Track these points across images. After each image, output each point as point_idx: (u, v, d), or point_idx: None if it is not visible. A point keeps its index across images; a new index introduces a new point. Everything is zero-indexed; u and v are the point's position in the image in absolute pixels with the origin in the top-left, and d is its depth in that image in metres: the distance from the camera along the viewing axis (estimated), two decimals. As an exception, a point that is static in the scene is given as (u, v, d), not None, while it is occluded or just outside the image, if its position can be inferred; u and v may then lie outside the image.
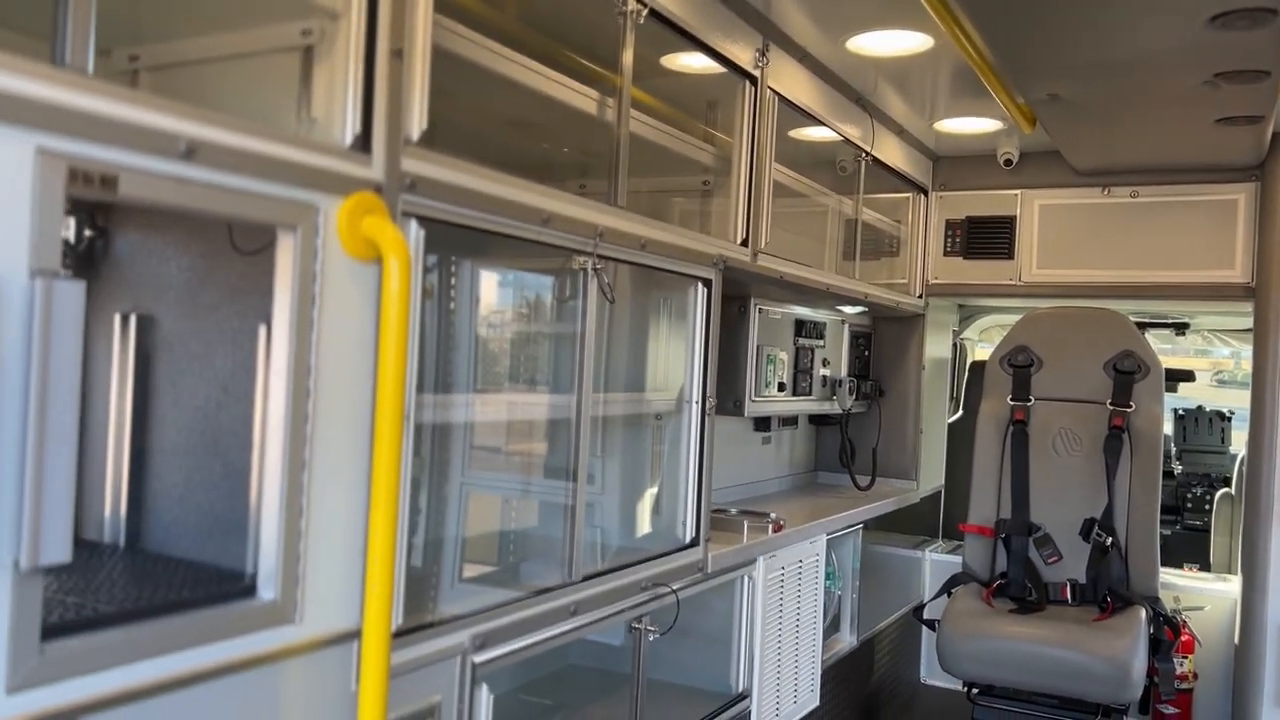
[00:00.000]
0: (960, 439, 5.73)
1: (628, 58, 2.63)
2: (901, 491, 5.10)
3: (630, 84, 2.63)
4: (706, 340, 3.10)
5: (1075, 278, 4.91)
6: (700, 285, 3.06)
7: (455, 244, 2.51)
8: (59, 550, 1.33)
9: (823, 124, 3.91)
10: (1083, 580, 4.33)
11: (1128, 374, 4.44)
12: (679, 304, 3.17)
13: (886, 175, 4.77)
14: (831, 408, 4.88)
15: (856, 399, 5.06)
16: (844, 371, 4.97)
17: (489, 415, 2.85)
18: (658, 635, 2.85)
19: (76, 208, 2.04)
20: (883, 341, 5.37)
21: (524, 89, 2.43)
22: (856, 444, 5.19)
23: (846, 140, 4.17)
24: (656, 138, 2.88)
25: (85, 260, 2.17)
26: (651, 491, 3.31)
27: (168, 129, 1.45)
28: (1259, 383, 4.43)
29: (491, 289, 2.98)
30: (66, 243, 2.11)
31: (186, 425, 2.03)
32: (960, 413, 6.33)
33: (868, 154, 4.35)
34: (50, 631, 1.37)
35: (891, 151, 4.67)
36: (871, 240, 4.88)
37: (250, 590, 1.71)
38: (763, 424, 4.73)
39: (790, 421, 5.03)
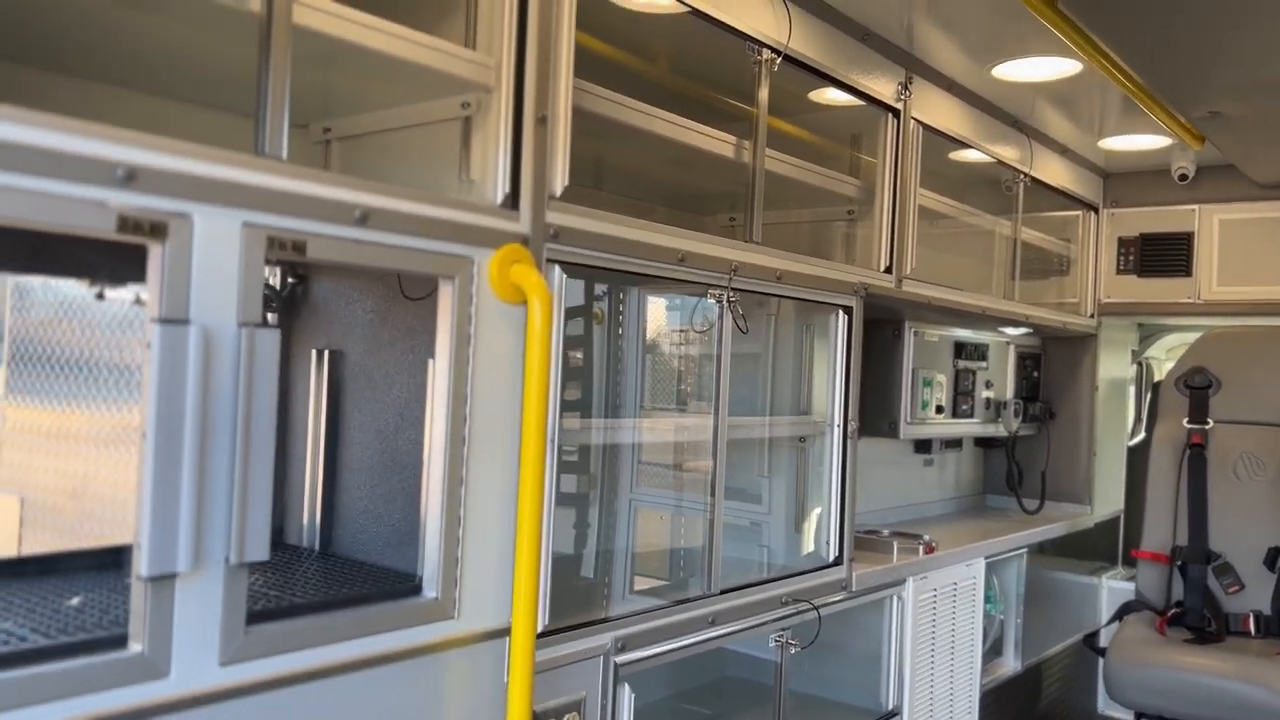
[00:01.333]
0: (1144, 462, 5.52)
1: (762, 99, 2.81)
2: (1072, 516, 4.99)
3: (765, 126, 2.80)
4: (847, 366, 3.21)
5: (1259, 295, 4.69)
6: (840, 313, 3.18)
7: (609, 279, 2.75)
8: (259, 550, 1.62)
9: (974, 148, 3.94)
10: (1267, 611, 4.14)
11: (1317, 395, 4.22)
12: (823, 329, 3.30)
13: (1051, 194, 4.71)
14: (997, 430, 4.84)
15: (1024, 421, 4.99)
16: (1009, 393, 4.92)
17: (629, 437, 3.07)
18: (798, 650, 2.98)
19: (280, 261, 2.40)
20: (1052, 362, 5.27)
21: (662, 138, 2.64)
22: (1025, 467, 5.12)
23: (1002, 163, 4.18)
24: (794, 174, 3.03)
25: (289, 304, 2.54)
26: (798, 511, 3.44)
27: (346, 200, 1.75)
28: None
29: (641, 320, 3.21)
30: (272, 289, 2.50)
31: (370, 445, 2.34)
32: (1144, 435, 6.09)
33: (1026, 175, 4.33)
34: (254, 618, 1.67)
35: (1054, 171, 4.62)
36: (1037, 260, 4.83)
37: (417, 589, 1.98)
38: (924, 446, 4.75)
39: (954, 444, 5.02)
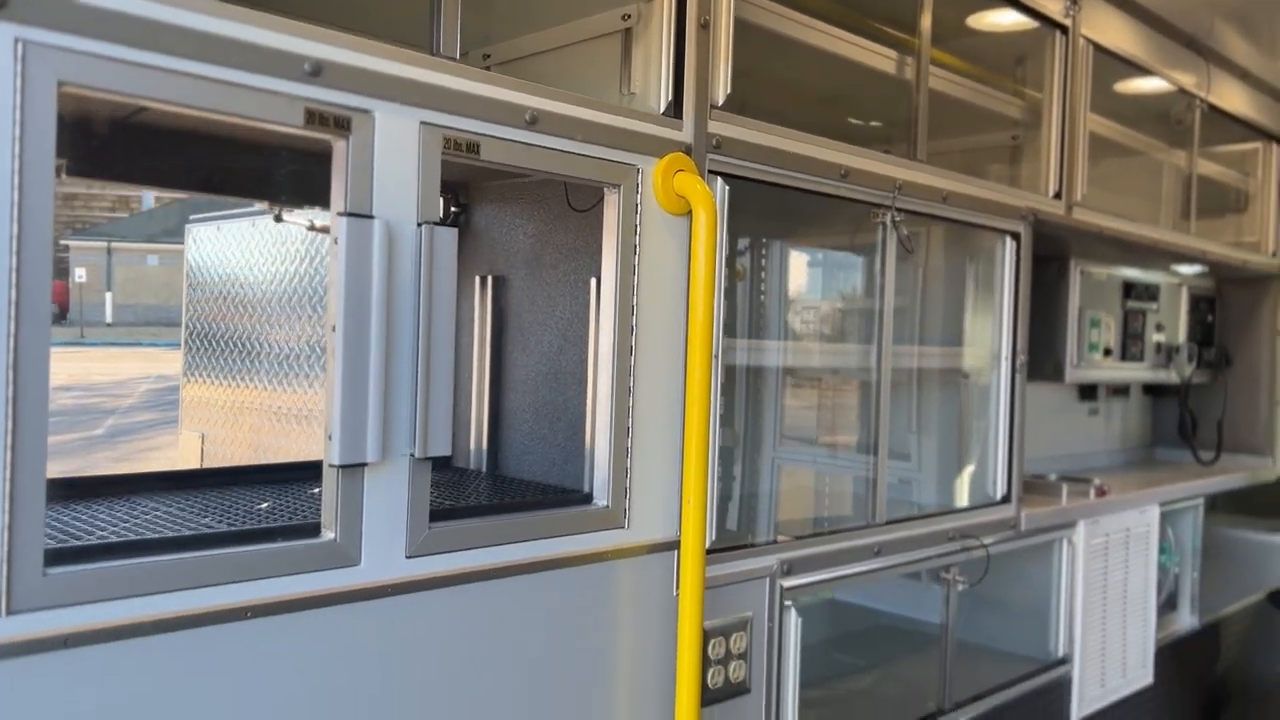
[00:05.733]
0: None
1: (926, 21, 2.69)
2: (1252, 468, 4.68)
3: (929, 39, 2.68)
4: (1016, 296, 3.07)
5: None
6: (1009, 239, 3.04)
7: (770, 196, 2.69)
8: (442, 444, 1.65)
9: (1147, 71, 3.70)
10: None
11: None
12: (988, 262, 3.16)
13: (1229, 125, 4.40)
14: (1168, 376, 4.57)
15: (1198, 367, 4.70)
16: (1182, 337, 4.64)
17: (804, 362, 3.01)
18: (966, 586, 2.88)
19: (445, 189, 2.44)
20: (1229, 306, 4.94)
21: (826, 54, 2.56)
22: (1199, 417, 4.82)
23: (1178, 90, 3.92)
24: (959, 92, 2.91)
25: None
26: (964, 449, 3.32)
27: (516, 102, 1.75)
28: None
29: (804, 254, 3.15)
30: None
31: (534, 368, 2.36)
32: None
33: (1203, 101, 4.05)
34: (436, 516, 1.70)
35: (1233, 97, 4.30)
36: (1213, 197, 4.52)
37: (588, 499, 1.98)
38: (1088, 393, 4.53)
39: (1120, 391, 4.77)
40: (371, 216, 1.55)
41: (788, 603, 2.34)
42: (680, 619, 2.00)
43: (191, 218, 3.26)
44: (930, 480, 3.31)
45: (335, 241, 1.53)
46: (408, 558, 1.64)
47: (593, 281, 2.17)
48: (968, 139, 3.38)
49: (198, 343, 3.17)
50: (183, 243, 3.28)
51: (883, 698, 3.06)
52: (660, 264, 2.02)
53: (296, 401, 2.87)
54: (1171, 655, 3.99)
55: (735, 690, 2.21)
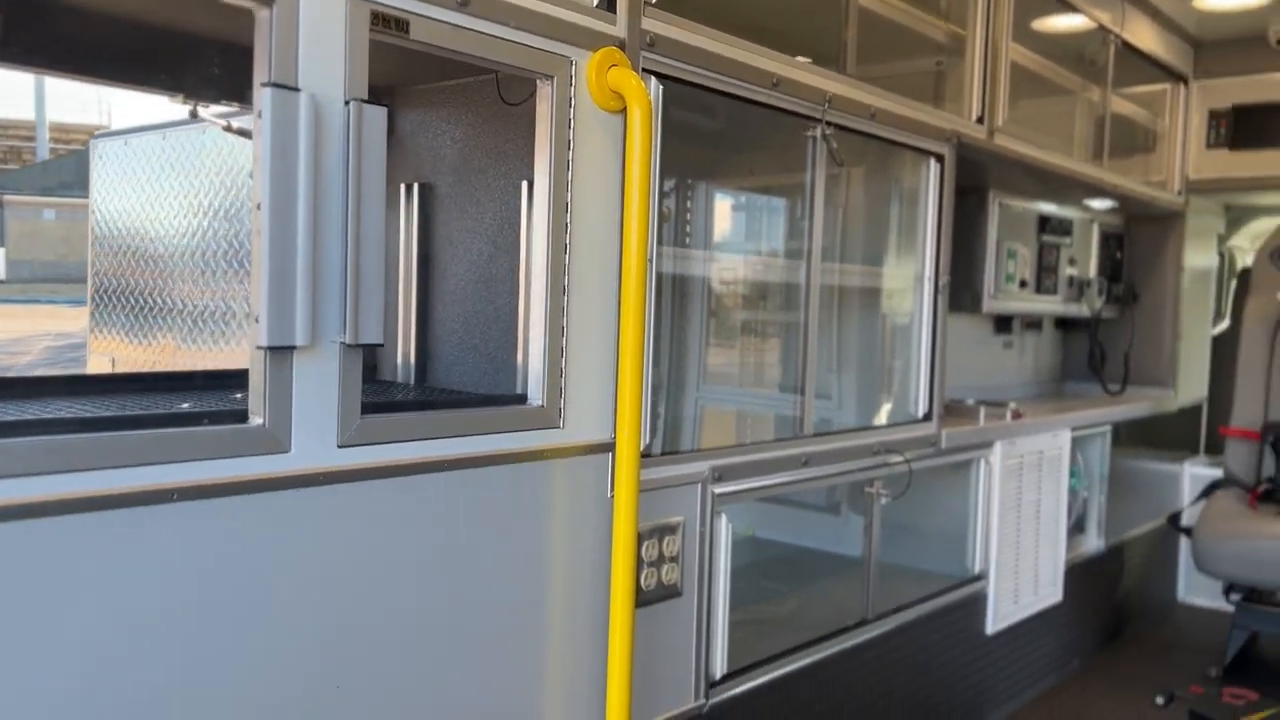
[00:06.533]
0: (1227, 351, 5.37)
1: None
2: (1157, 399, 4.87)
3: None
4: (939, 218, 3.12)
5: (1362, 163, 4.47)
6: (933, 161, 3.08)
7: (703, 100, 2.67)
8: (373, 332, 1.61)
9: (1067, 4, 3.77)
10: (1364, 485, 4.02)
11: None
12: (912, 186, 3.20)
13: (1140, 65, 4.51)
14: (1080, 310, 4.72)
15: (1107, 301, 4.86)
16: (1093, 272, 4.78)
17: (712, 273, 3.02)
18: (889, 499, 2.94)
19: (370, 93, 2.36)
20: (1137, 243, 5.10)
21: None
22: (1107, 350, 4.99)
23: (1096, 27, 4.00)
24: (886, 11, 2.92)
25: (375, 140, 2.51)
26: (886, 372, 3.38)
27: (447, -18, 1.69)
28: None
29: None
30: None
31: (463, 276, 2.32)
32: (1227, 324, 5.90)
33: (1117, 37, 4.15)
34: (369, 409, 1.66)
35: (1145, 35, 4.41)
36: (1123, 137, 4.64)
37: (522, 399, 1.96)
38: (1004, 326, 4.65)
39: (1034, 325, 4.90)
40: (297, 89, 1.49)
41: (719, 509, 2.36)
42: (615, 519, 2.00)
43: (96, 134, 3.11)
44: (851, 416, 3.36)
45: (259, 115, 1.47)
46: (340, 447, 1.60)
47: (524, 185, 2.13)
48: (894, 64, 3.40)
49: (105, 299, 3.02)
50: (84, 197, 3.11)
51: (809, 613, 3.12)
52: (594, 163, 2.00)
53: (210, 361, 2.75)
54: (1080, 575, 4.15)
55: (668, 593, 2.23)
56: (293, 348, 1.51)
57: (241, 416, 1.52)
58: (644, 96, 1.96)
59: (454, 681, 1.79)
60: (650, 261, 2.12)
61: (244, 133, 2.36)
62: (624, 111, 2.00)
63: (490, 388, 2.25)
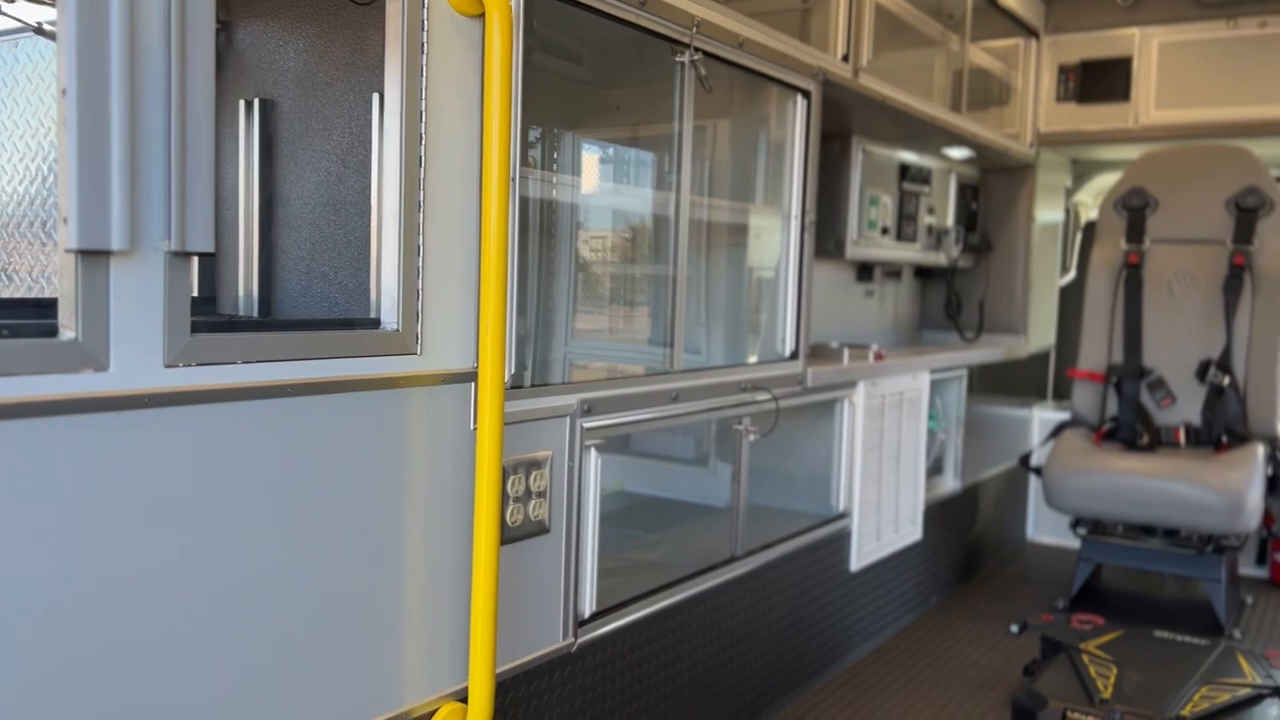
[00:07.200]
0: (1072, 301, 5.60)
1: None
2: (1009, 345, 5.04)
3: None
4: (806, 156, 3.10)
5: (1195, 118, 4.70)
6: (800, 97, 3.05)
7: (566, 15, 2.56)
8: (202, 239, 1.45)
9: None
10: (1197, 422, 4.24)
11: (1251, 210, 4.27)
12: (779, 125, 3.17)
13: (996, 18, 4.61)
14: (937, 259, 4.82)
15: (964, 250, 4.99)
16: (951, 221, 4.89)
17: (599, 203, 2.93)
18: (757, 436, 2.93)
19: None
20: (991, 195, 5.25)
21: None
22: (963, 298, 5.14)
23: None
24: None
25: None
26: (753, 314, 3.36)
27: None
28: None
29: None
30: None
31: (310, 199, 2.15)
32: (1073, 275, 6.17)
33: (975, -14, 4.21)
34: (200, 327, 1.51)
35: (1001, -12, 4.51)
36: (980, 90, 4.74)
37: (375, 323, 1.83)
38: (865, 274, 4.71)
39: (894, 274, 4.99)
40: (107, -43, 1.32)
41: (588, 443, 2.28)
42: (478, 451, 1.90)
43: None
44: (720, 358, 3.33)
45: (62, -14, 1.29)
46: (166, 366, 1.45)
47: (375, 98, 1.99)
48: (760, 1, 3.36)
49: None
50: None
51: (678, 553, 3.09)
52: (451, 72, 1.87)
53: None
54: (937, 514, 4.27)
55: (535, 529, 2.14)
56: (109, 252, 1.35)
57: (51, 330, 1.35)
58: (504, 0, 1.84)
59: (296, 632, 1.66)
60: (513, 180, 2.01)
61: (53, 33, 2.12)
62: (483, 17, 1.88)
63: (340, 315, 2.11)
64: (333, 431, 1.70)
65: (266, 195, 2.23)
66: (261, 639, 1.60)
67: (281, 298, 2.22)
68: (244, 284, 2.27)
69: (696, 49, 2.51)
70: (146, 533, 1.43)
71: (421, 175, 1.84)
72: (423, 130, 1.83)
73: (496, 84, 1.87)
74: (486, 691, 1.92)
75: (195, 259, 1.59)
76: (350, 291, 2.10)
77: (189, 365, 1.48)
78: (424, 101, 1.83)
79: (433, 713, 1.94)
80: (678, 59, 2.51)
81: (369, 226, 2.00)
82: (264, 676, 1.62)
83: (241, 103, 2.22)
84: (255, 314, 2.24)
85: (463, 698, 1.97)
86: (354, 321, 1.84)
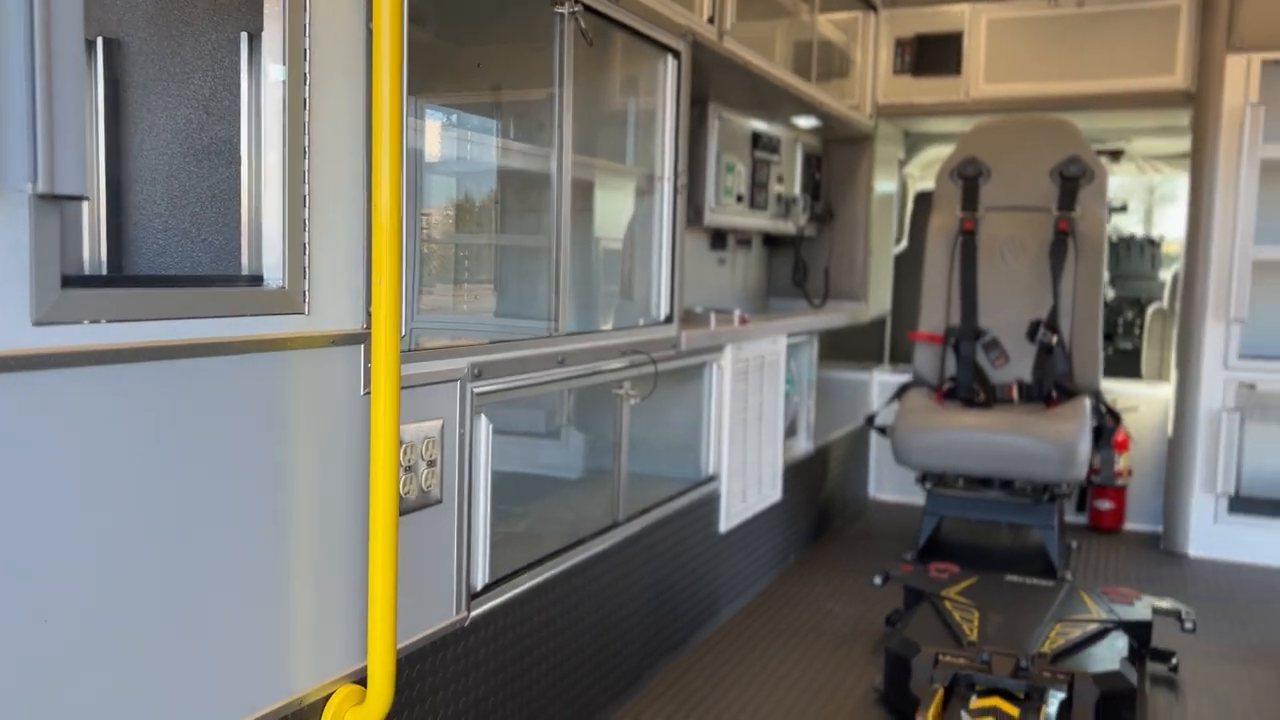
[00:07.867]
0: (907, 268, 5.85)
1: None
2: (852, 311, 5.20)
3: None
4: (677, 118, 3.08)
5: (1021, 91, 4.96)
6: (670, 58, 3.02)
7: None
8: (72, 181, 1.29)
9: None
10: (1029, 380, 4.50)
11: (1073, 179, 4.54)
12: (649, 89, 3.13)
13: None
14: (786, 226, 4.92)
15: (809, 219, 5.11)
16: (798, 190, 4.99)
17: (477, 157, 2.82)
18: (637, 400, 2.90)
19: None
20: (833, 164, 5.40)
21: None
22: (809, 266, 5.27)
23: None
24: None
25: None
26: (627, 275, 3.32)
27: None
28: (1198, 166, 4.58)
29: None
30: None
31: (167, 150, 1.95)
32: (906, 243, 6.43)
33: (821, -43, 4.29)
34: (70, 282, 1.34)
35: (843, -40, 4.61)
36: (825, 62, 4.85)
37: (258, 280, 1.68)
38: (719, 242, 4.75)
39: (745, 242, 5.06)
40: None
41: (479, 408, 2.19)
42: (374, 417, 1.78)
43: None
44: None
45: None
46: (35, 325, 1.28)
47: (243, 37, 1.82)
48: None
49: None
50: None
51: (562, 521, 3.03)
52: (335, 6, 1.73)
53: None
54: (793, 475, 4.37)
55: (426, 500, 2.04)
56: (-35, 193, 1.17)
57: (-107, 283, 1.16)
58: (393, -69, 1.71)
59: (162, 624, 1.49)
60: (406, 125, 1.88)
61: None
62: (368, -52, 1.75)
63: (207, 270, 1.93)
64: (213, 395, 1.55)
65: (114, 145, 2.01)
66: (122, 635, 1.44)
67: (135, 257, 2.01)
68: (89, 243, 2.04)
69: (577, 0, 2.43)
70: (19, 511, 1.26)
71: (306, 119, 1.69)
72: (306, 69, 1.69)
73: (386, 19, 1.74)
74: (387, 672, 1.81)
75: (64, 203, 1.40)
76: (215, 249, 1.92)
77: (60, 323, 1.31)
78: (307, 40, 1.69)
79: (327, 698, 1.82)
80: (557, 9, 2.42)
81: (238, 178, 1.83)
82: (123, 679, 1.45)
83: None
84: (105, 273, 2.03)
85: (360, 679, 1.86)
86: (236, 277, 1.69)
